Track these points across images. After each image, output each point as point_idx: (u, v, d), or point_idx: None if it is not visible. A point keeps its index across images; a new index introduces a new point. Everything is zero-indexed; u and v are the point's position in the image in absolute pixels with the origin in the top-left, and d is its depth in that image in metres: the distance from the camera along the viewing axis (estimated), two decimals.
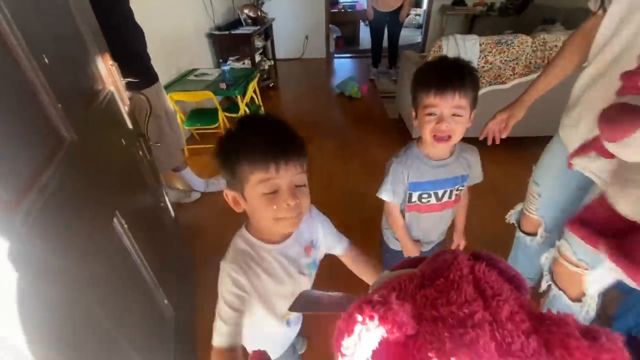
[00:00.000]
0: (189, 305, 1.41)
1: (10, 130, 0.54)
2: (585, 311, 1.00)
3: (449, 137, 0.88)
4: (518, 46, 2.16)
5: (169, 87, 2.52)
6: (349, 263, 0.81)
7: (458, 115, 0.86)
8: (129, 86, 1.33)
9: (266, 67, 3.94)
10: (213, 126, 2.59)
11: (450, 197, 1.01)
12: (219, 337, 0.61)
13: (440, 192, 0.99)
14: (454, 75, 0.85)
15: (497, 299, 0.26)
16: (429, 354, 0.23)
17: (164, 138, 1.79)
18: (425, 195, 0.99)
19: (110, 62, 1.11)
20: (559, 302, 1.08)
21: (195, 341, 1.35)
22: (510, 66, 2.21)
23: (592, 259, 0.94)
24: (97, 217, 0.78)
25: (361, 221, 1.88)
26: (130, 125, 1.20)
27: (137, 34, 1.65)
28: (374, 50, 4.26)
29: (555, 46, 2.16)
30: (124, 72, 1.23)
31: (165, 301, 1.09)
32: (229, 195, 0.63)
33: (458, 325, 0.24)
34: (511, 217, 1.34)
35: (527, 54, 2.18)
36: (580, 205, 1.00)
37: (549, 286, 1.11)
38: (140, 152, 1.27)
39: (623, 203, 0.56)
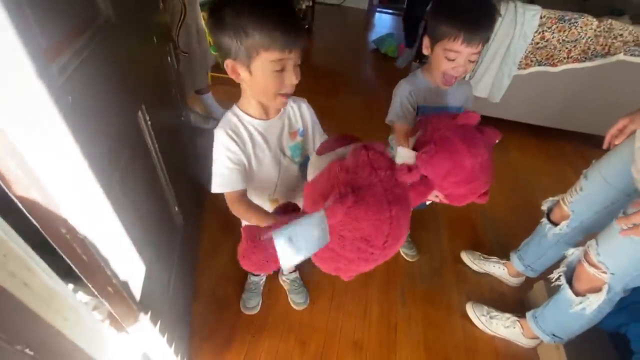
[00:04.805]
0: (197, 220, 1.45)
1: None
2: (582, 307, 1.01)
3: (456, 78, 0.89)
4: (581, 27, 1.98)
5: (202, 5, 2.39)
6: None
7: (473, 61, 0.85)
8: None
9: (304, 6, 3.70)
10: None
11: None
12: (223, 185, 0.72)
13: None
14: (484, 20, 0.81)
15: (379, 169, 0.48)
16: (359, 209, 0.45)
17: (191, 54, 1.73)
18: None
19: None
20: (561, 295, 1.09)
21: (196, 253, 1.41)
22: (566, 48, 2.04)
23: (613, 263, 0.93)
24: (125, 101, 0.76)
25: None
26: (163, 26, 1.15)
27: None
28: (409, 19, 3.00)
29: (620, 35, 1.98)
30: None
31: (176, 208, 1.12)
32: (230, 64, 0.66)
33: (367, 187, 0.46)
34: (546, 203, 1.32)
35: (589, 37, 2.00)
36: (614, 211, 0.96)
37: (559, 277, 1.11)
38: (169, 58, 1.23)
39: None
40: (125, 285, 0.65)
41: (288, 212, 0.71)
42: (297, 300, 1.30)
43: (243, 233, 0.53)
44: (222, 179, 0.74)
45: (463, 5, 0.83)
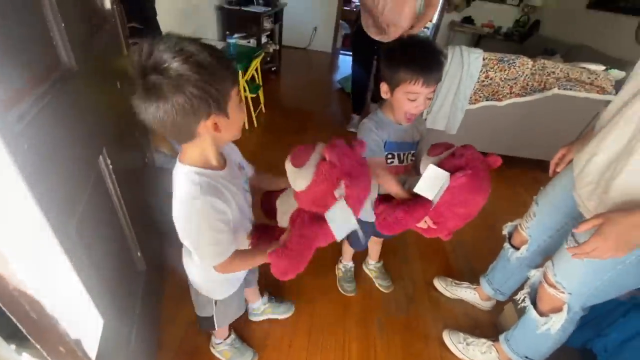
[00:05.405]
0: (160, 265, 1.38)
1: (8, 33, 0.51)
2: (547, 327, 1.04)
3: (416, 115, 1.00)
4: (519, 67, 2.23)
5: None
6: (258, 181, 0.93)
7: (429, 98, 0.96)
8: (131, 34, 1.29)
9: (271, 50, 3.89)
10: None
11: (407, 161, 1.09)
12: (222, 254, 0.72)
13: (402, 155, 1.08)
14: (436, 65, 0.94)
15: (349, 154, 0.70)
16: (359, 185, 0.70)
17: None
18: (390, 156, 1.05)
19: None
20: (527, 315, 1.12)
21: (161, 300, 1.33)
22: (508, 85, 2.27)
23: (568, 283, 0.98)
24: (85, 146, 0.75)
25: None
26: (127, 72, 1.16)
27: None
28: (357, 89, 2.85)
29: (553, 72, 2.24)
30: (128, 18, 1.20)
31: (139, 254, 1.07)
32: (211, 122, 0.63)
33: (352, 169, 0.69)
34: (506, 228, 1.38)
35: (526, 75, 2.25)
36: (565, 233, 1.02)
37: (524, 299, 1.15)
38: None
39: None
40: (78, 342, 0.60)
41: (266, 230, 0.87)
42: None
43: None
44: (219, 247, 0.71)
45: (416, 54, 0.94)
